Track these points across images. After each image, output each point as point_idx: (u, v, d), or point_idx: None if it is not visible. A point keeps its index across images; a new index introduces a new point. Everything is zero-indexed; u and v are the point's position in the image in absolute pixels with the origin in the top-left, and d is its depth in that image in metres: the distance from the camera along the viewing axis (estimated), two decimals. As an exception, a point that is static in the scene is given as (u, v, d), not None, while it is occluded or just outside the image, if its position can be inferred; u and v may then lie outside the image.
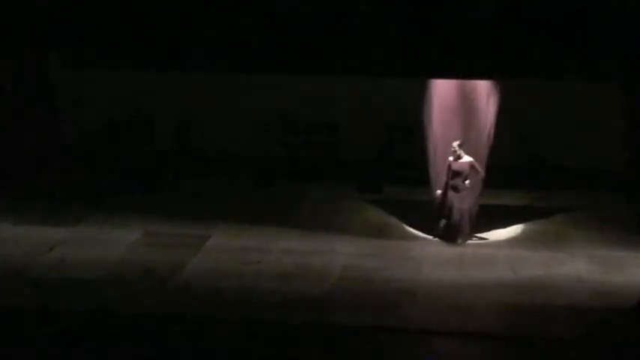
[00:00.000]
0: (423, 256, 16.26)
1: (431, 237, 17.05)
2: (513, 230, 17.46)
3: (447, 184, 16.79)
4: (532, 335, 13.39)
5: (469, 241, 16.87)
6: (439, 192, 16.83)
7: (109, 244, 16.58)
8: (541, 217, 18.02)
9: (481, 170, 16.74)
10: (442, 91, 16.90)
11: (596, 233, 17.25)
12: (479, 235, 17.10)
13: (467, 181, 16.73)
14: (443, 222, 16.94)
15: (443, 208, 16.86)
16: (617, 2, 15.00)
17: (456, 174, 16.68)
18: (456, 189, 16.73)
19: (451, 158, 16.71)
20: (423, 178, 17.33)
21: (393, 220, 17.93)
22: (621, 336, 13.35)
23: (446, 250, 16.58)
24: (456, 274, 15.48)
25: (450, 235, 16.83)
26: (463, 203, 16.72)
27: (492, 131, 16.81)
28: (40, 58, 18.66)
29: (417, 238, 17.16)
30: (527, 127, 19.07)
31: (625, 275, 15.40)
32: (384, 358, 12.96)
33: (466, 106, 16.88)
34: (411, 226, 17.58)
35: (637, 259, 16.03)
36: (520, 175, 18.92)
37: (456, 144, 16.59)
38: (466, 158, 16.66)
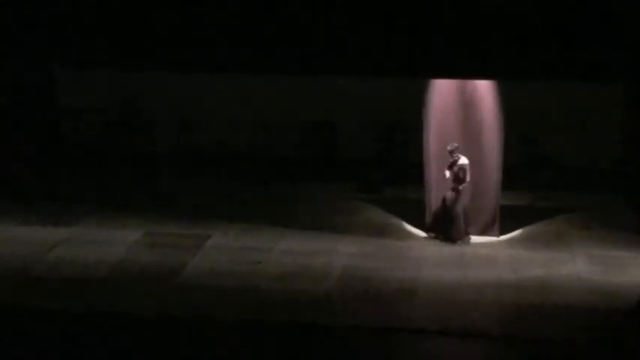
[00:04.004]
0: (423, 256, 16.26)
1: (430, 236, 17.09)
2: (513, 230, 17.46)
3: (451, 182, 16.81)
4: (532, 335, 13.40)
5: (469, 241, 16.88)
6: (448, 173, 16.66)
7: (109, 244, 16.58)
8: (541, 217, 18.02)
9: (466, 176, 16.61)
10: (442, 91, 16.90)
11: (596, 233, 17.25)
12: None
13: (463, 184, 16.74)
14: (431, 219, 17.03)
15: (441, 207, 16.87)
16: (616, 2, 15.03)
17: (454, 175, 16.66)
18: (455, 189, 16.73)
19: (450, 160, 16.70)
20: (422, 178, 17.34)
21: (393, 220, 17.94)
22: (621, 336, 13.35)
23: (446, 250, 16.58)
24: (456, 274, 15.48)
25: (447, 234, 16.85)
26: (457, 205, 16.71)
27: (500, 130, 16.77)
28: (40, 58, 18.67)
29: (417, 238, 17.17)
30: (527, 127, 19.07)
31: (625, 275, 15.40)
32: (384, 358, 12.96)
33: (466, 106, 16.86)
34: (411, 226, 17.60)
35: (637, 259, 16.04)
36: (520, 175, 18.90)
37: (454, 146, 16.54)
38: (463, 160, 16.65)
